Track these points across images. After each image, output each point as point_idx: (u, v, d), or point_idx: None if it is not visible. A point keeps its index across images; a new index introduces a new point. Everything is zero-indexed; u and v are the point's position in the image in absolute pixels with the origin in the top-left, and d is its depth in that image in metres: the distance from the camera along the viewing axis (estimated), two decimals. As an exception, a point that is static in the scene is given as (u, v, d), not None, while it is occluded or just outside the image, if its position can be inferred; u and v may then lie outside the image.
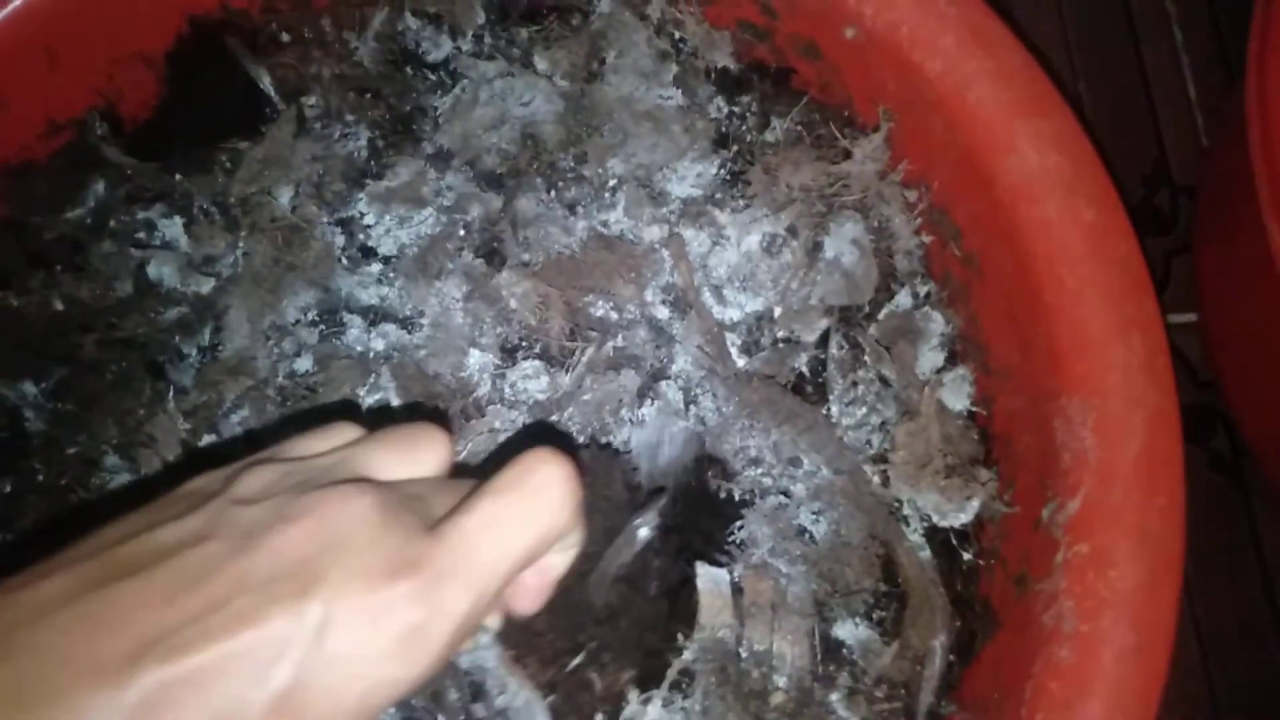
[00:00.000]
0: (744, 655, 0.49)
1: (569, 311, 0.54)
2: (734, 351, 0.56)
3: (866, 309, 0.56)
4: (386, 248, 0.59)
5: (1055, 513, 0.47)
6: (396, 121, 0.61)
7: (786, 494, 0.51)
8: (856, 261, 0.54)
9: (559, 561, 0.36)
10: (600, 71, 0.60)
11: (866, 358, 0.55)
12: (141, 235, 0.57)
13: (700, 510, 0.53)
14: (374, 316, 0.57)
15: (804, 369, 0.55)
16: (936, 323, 0.56)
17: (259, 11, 0.61)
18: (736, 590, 0.50)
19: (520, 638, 0.49)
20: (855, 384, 0.54)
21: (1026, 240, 0.50)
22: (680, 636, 0.50)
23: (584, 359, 0.54)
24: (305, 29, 0.61)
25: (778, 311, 0.56)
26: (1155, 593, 0.43)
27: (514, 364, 0.55)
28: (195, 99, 0.60)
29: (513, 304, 0.56)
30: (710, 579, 0.50)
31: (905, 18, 0.53)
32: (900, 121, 0.55)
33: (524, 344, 0.56)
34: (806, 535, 0.51)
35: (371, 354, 0.56)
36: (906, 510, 0.51)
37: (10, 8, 0.54)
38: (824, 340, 0.56)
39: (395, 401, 0.54)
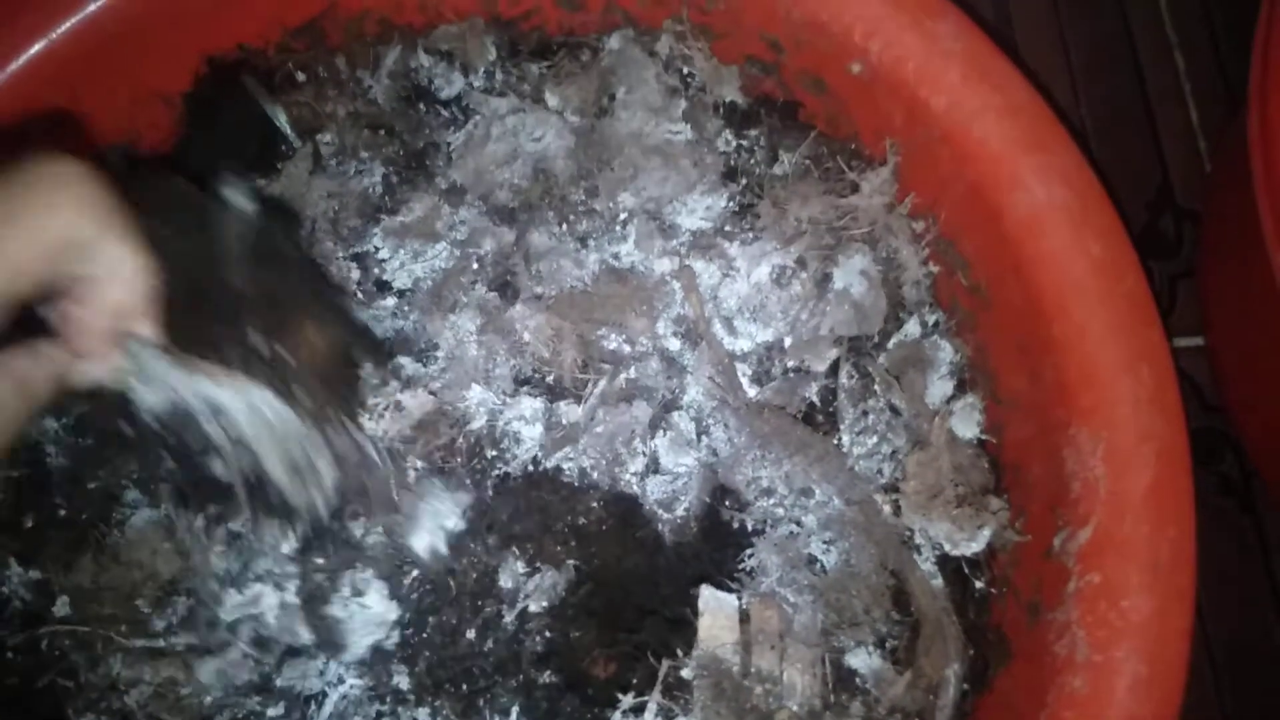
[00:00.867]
0: (747, 676, 0.49)
1: (582, 344, 0.55)
2: (745, 382, 0.56)
3: (875, 339, 0.57)
4: (401, 281, 0.60)
5: (1066, 541, 0.47)
6: (410, 157, 0.62)
7: (798, 524, 0.52)
8: (865, 292, 0.55)
9: (105, 290, 0.32)
10: (610, 107, 0.61)
11: (877, 387, 0.55)
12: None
13: (711, 538, 0.53)
14: (389, 350, 0.58)
15: (815, 398, 0.56)
16: (945, 352, 0.57)
17: (275, 51, 0.62)
18: (743, 617, 0.51)
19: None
20: (866, 413, 0.55)
21: (1034, 273, 0.50)
22: (679, 653, 0.50)
23: (596, 391, 0.55)
24: (320, 67, 0.63)
25: (788, 342, 0.57)
26: (1167, 623, 0.44)
27: (523, 397, 0.56)
28: (213, 138, 0.61)
29: (526, 337, 0.56)
30: (714, 600, 0.51)
31: (911, 54, 0.53)
32: (907, 155, 0.56)
33: (536, 376, 0.57)
34: (816, 565, 0.52)
35: (388, 386, 0.57)
36: (918, 539, 0.52)
37: (33, 50, 0.55)
38: (834, 370, 0.56)
39: (409, 434, 0.55)
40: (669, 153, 0.59)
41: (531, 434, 0.54)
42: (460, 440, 0.53)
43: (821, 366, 0.56)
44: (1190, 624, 0.44)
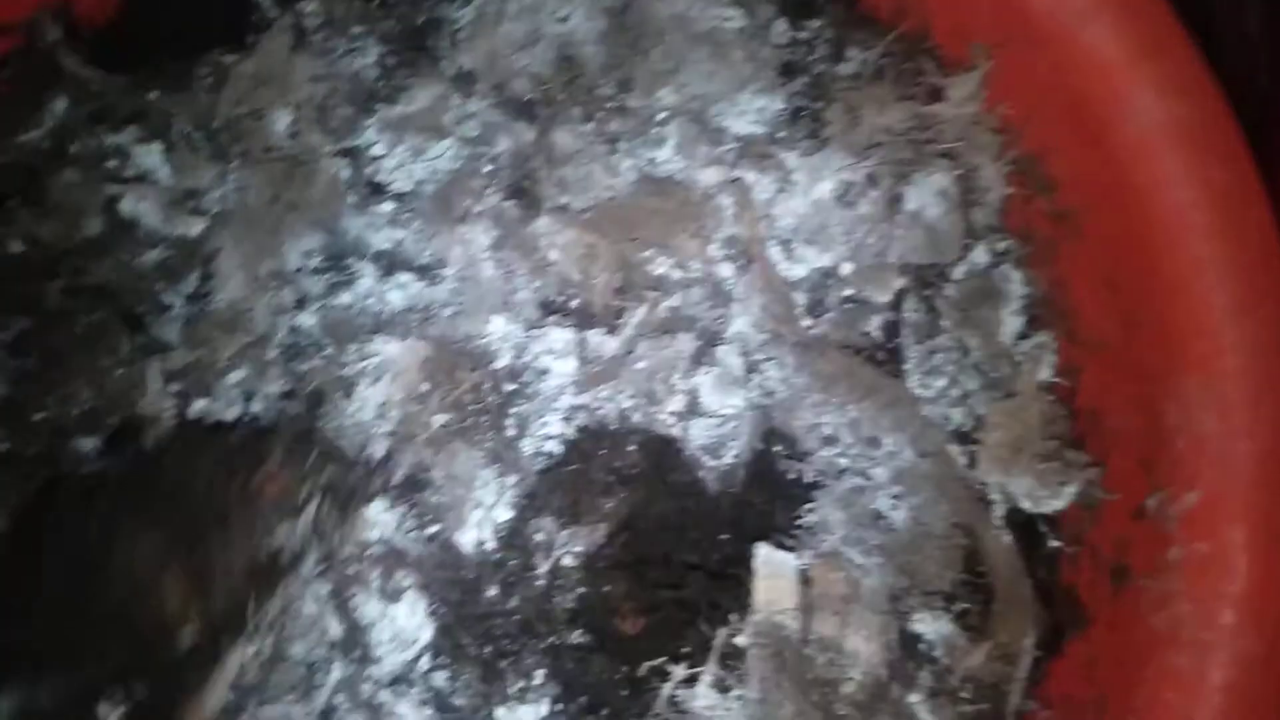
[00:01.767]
0: (807, 644, 0.45)
1: (621, 266, 0.48)
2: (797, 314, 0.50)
3: (942, 268, 0.51)
4: (400, 184, 0.51)
5: (1166, 503, 0.43)
6: (410, 35, 0.52)
7: (865, 476, 0.47)
8: (942, 215, 0.49)
9: None
10: (648, -16, 0.52)
11: (944, 322, 0.50)
12: (112, 164, 0.49)
13: (762, 489, 0.48)
14: (388, 264, 0.50)
15: (876, 333, 0.50)
16: (1015, 284, 0.51)
17: (243, -107, 0.52)
18: (803, 579, 0.46)
19: None
20: (932, 352, 0.49)
21: (1143, 201, 0.45)
22: (733, 619, 0.45)
23: (635, 320, 0.48)
24: (300, -82, 0.52)
25: (846, 269, 0.50)
26: (1285, 599, 0.40)
27: (551, 327, 0.49)
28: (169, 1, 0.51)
29: (553, 255, 0.49)
30: (772, 561, 0.46)
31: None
32: (995, 60, 0.49)
33: (561, 301, 0.49)
34: (883, 522, 0.47)
35: (386, 311, 0.49)
36: (992, 495, 0.47)
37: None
38: (896, 302, 0.50)
39: (416, 371, 0.48)
40: (718, 41, 0.51)
41: (564, 369, 0.47)
42: (487, 383, 0.46)
43: (884, 298, 0.50)
44: (1310, 599, 0.40)
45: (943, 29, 0.51)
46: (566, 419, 0.47)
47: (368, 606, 0.45)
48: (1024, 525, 0.48)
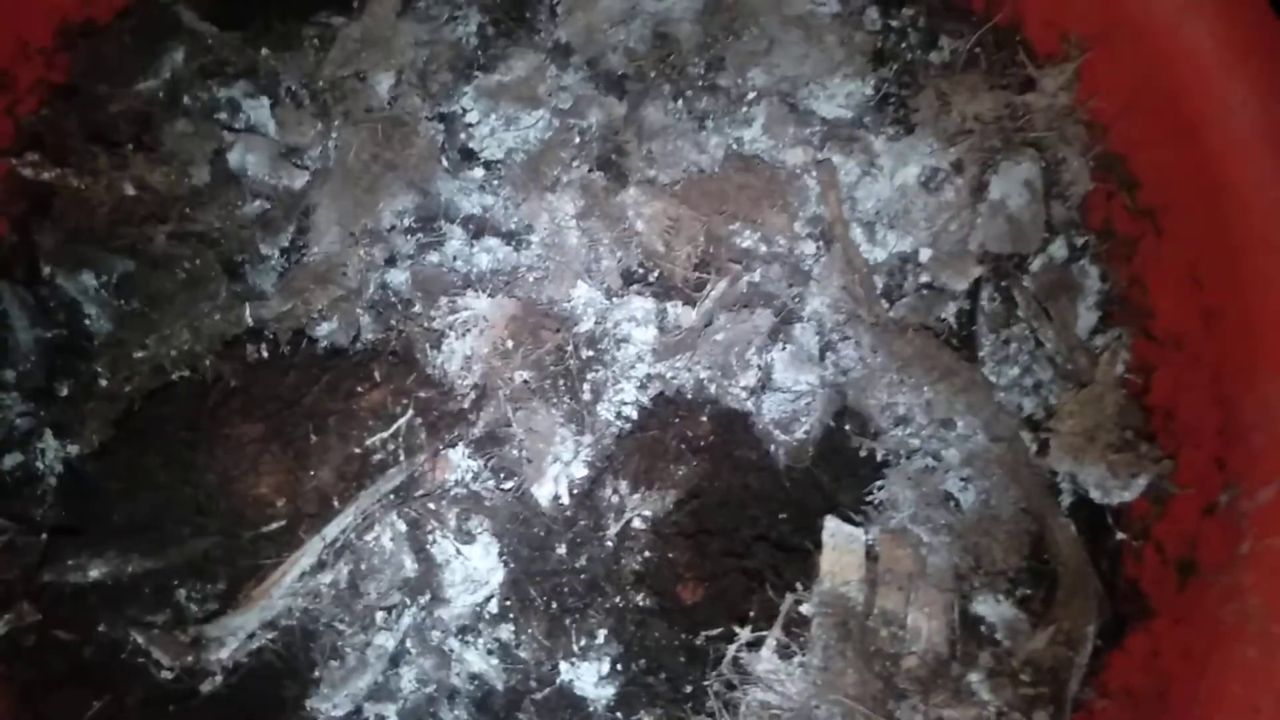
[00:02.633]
0: (870, 616, 0.45)
1: (708, 239, 0.49)
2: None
3: (1020, 260, 0.51)
4: (490, 151, 0.53)
5: (1238, 499, 0.43)
6: (511, 6, 0.54)
7: (936, 457, 0.47)
8: (1025, 206, 0.49)
9: None
10: (746, -34, 0.53)
11: (1021, 313, 0.50)
12: (222, 116, 0.51)
13: (832, 465, 0.49)
14: (476, 228, 0.52)
15: (950, 320, 0.51)
16: (1092, 279, 0.51)
17: None
18: (870, 554, 0.47)
19: None
20: (1007, 341, 0.50)
21: (1234, 201, 0.45)
22: (799, 587, 0.46)
23: (715, 293, 0.49)
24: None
25: (925, 255, 0.51)
26: (1360, 598, 0.40)
27: (633, 296, 0.50)
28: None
29: (639, 226, 0.50)
30: (840, 533, 0.46)
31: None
32: (1089, 53, 0.49)
33: (642, 272, 0.50)
34: (952, 503, 0.47)
35: (474, 271, 0.51)
36: (1061, 483, 0.48)
37: None
38: (974, 291, 0.51)
39: (503, 327, 0.49)
40: (811, 25, 0.52)
41: (643, 337, 0.48)
42: (569, 345, 0.47)
43: (961, 285, 0.51)
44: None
45: (1036, 21, 0.52)
46: (642, 386, 0.48)
47: (443, 544, 0.46)
48: (1090, 517, 0.48)
